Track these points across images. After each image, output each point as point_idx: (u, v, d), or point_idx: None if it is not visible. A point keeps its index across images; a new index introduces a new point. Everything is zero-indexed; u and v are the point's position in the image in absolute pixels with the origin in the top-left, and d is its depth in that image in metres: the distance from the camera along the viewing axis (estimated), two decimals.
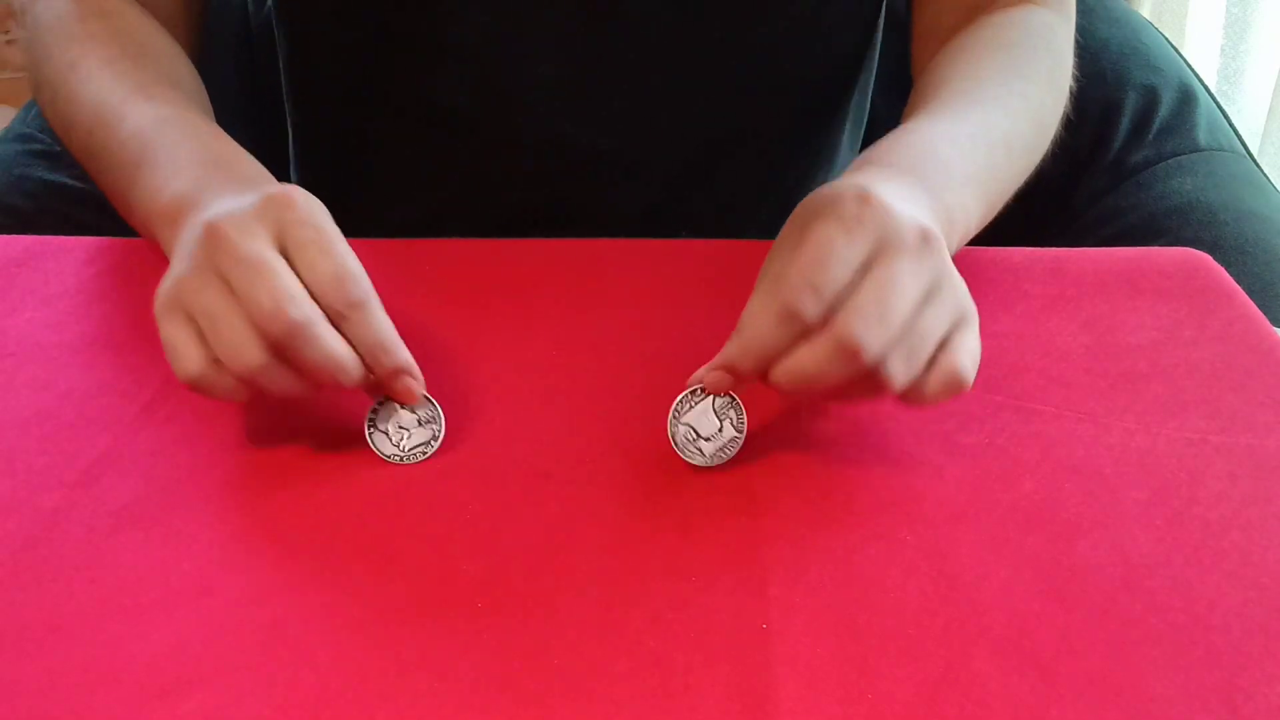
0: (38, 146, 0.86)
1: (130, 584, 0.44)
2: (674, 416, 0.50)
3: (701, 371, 0.49)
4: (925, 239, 0.47)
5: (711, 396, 0.50)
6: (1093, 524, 0.48)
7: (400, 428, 0.52)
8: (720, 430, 0.50)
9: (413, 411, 0.52)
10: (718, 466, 0.50)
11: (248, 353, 0.46)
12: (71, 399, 0.55)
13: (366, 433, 0.51)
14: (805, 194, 0.51)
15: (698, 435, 0.50)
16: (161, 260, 0.68)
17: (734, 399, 0.50)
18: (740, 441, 0.50)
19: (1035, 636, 0.42)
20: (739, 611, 0.43)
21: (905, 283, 0.46)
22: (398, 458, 0.51)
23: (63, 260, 0.68)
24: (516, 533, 0.47)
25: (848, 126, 0.87)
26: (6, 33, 2.47)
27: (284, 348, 0.46)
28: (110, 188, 0.63)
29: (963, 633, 0.42)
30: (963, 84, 0.64)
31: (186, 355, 0.47)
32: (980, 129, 0.61)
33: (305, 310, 0.46)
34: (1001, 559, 0.46)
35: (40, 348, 0.59)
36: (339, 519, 0.48)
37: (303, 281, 0.47)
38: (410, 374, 0.50)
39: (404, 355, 0.49)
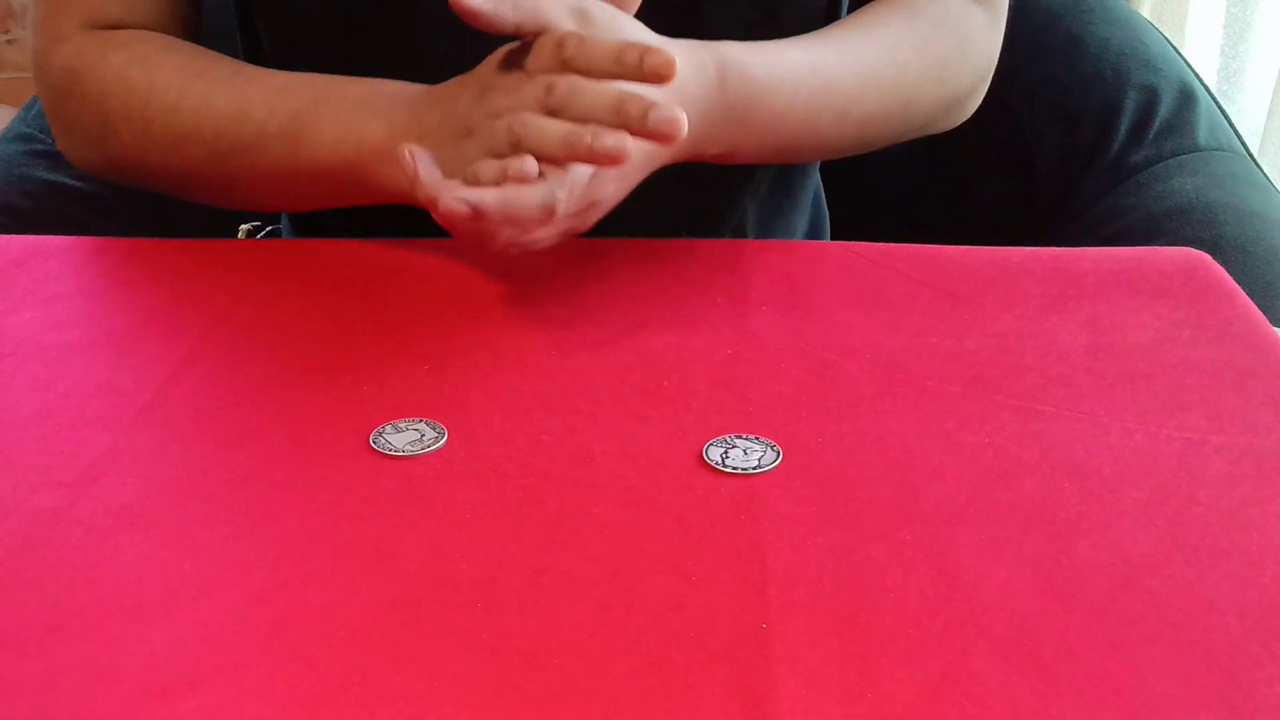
0: (38, 146, 0.86)
1: (130, 584, 0.44)
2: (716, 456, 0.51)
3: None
4: None
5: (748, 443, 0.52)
6: (1093, 524, 0.48)
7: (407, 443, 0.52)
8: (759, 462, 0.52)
9: (418, 434, 0.52)
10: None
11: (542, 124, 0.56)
12: (71, 399, 0.55)
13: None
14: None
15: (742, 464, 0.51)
16: (161, 260, 0.68)
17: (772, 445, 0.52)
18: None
19: (1035, 636, 0.42)
20: (739, 611, 0.43)
21: None
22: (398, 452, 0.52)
23: (63, 260, 0.68)
24: (516, 533, 0.47)
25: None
26: (7, 33, 2.47)
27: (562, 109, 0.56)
28: (265, 169, 0.67)
29: (963, 633, 0.42)
30: (847, 36, 0.70)
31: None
32: (828, 88, 0.68)
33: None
34: (1001, 559, 0.46)
35: (40, 348, 0.59)
36: (339, 519, 0.48)
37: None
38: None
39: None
